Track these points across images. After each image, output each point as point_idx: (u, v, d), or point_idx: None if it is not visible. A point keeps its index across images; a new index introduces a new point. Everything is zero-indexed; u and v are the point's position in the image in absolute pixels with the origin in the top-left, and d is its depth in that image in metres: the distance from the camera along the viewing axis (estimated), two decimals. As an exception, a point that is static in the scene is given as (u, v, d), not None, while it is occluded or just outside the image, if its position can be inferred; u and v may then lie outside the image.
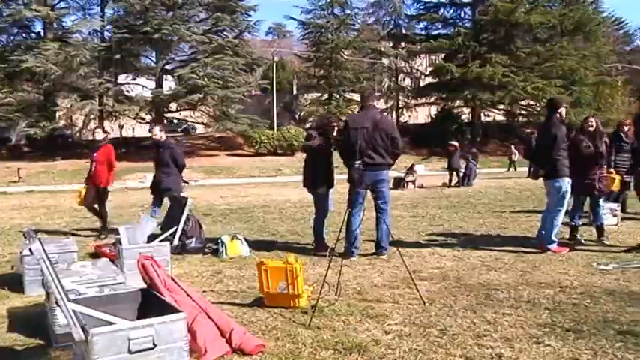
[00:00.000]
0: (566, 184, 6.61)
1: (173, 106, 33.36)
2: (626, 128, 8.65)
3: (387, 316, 4.29)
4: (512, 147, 27.12)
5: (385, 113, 35.91)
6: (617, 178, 8.11)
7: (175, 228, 6.73)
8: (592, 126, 7.21)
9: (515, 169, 25.68)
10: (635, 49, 53.62)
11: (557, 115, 6.80)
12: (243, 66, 32.54)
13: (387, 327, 4.03)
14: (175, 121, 39.26)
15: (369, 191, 6.41)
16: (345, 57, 40.04)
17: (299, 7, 40.30)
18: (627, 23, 58.29)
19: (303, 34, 42.71)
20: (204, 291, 5.10)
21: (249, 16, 34.40)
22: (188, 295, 3.69)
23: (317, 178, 7.03)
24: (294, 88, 45.20)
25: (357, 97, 36.24)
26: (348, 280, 5.39)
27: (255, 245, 7.29)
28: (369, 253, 6.59)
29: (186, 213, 6.90)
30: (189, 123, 38.85)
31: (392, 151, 6.39)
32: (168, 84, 32.99)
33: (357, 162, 5.92)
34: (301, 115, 41.43)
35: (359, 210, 6.31)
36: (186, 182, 9.18)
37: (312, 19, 40.17)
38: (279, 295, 4.53)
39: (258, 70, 37.58)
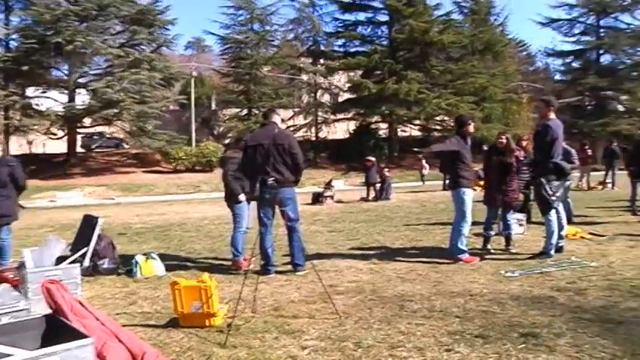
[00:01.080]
0: (467, 194, 6.94)
1: (87, 121, 32.11)
2: (524, 143, 9.17)
3: (303, 331, 4.30)
4: (423, 161, 27.87)
5: (285, 127, 36.28)
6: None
7: (86, 249, 6.47)
8: (503, 142, 7.61)
9: (424, 183, 26.24)
10: (537, 70, 57.09)
11: (464, 130, 7.17)
12: (161, 81, 31.89)
13: (304, 342, 4.05)
14: (107, 136, 37.91)
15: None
16: (265, 73, 40.12)
17: (218, 22, 40.11)
18: (529, 45, 62.44)
19: (222, 49, 42.50)
20: (117, 314, 4.94)
21: (168, 30, 33.96)
22: (97, 319, 3.55)
23: (232, 192, 7.02)
24: (213, 103, 44.71)
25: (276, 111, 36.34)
26: (265, 297, 5.37)
27: (172, 264, 7.12)
28: (287, 270, 6.58)
29: (97, 233, 6.63)
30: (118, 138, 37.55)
31: (293, 166, 6.31)
32: (82, 98, 31.67)
33: (261, 180, 5.93)
34: (220, 130, 41.00)
35: (269, 227, 6.34)
36: (22, 207, 7.87)
37: (231, 35, 40.02)
38: (193, 315, 4.45)
39: (177, 85, 36.95)
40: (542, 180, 6.83)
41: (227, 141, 35.16)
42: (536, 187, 6.96)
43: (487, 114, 36.27)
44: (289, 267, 6.58)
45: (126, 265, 6.87)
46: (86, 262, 6.42)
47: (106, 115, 29.37)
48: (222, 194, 7.53)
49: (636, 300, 4.92)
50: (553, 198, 6.84)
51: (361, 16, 40.11)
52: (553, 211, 6.90)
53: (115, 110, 28.87)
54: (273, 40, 42.12)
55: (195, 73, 39.31)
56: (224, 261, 7.43)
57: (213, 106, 44.41)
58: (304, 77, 42.31)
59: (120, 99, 28.28)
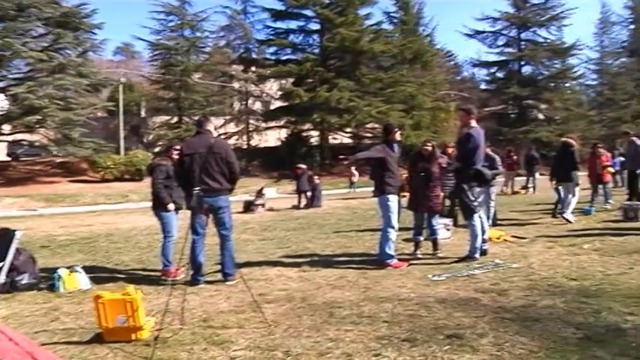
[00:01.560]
0: (392, 201, 7.08)
1: (6, 128, 30.56)
2: (450, 150, 9.46)
3: (232, 342, 4.26)
4: (353, 168, 28.17)
5: (216, 135, 35.99)
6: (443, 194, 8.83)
7: (2, 264, 6.14)
8: (428, 149, 7.81)
9: (354, 190, 26.48)
10: (464, 79, 59.11)
11: (390, 138, 7.33)
12: (88, 87, 30.87)
13: (232, 353, 4.02)
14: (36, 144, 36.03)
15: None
16: (195, 80, 39.56)
17: (148, 28, 39.17)
18: (456, 56, 64.86)
19: (152, 55, 41.57)
20: (36, 332, 4.72)
21: (94, 34, 32.90)
22: (10, 339, 3.37)
23: (161, 201, 6.89)
24: (143, 110, 43.68)
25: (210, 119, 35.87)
26: (194, 307, 5.28)
27: (98, 277, 6.87)
28: (217, 279, 6.48)
29: (14, 247, 6.31)
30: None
31: (229, 175, 6.30)
32: (1, 103, 30.11)
33: (195, 189, 5.85)
34: (150, 138, 40.05)
35: (201, 237, 6.26)
36: None
37: (161, 41, 39.20)
38: (119, 329, 4.31)
39: (104, 92, 35.81)
40: (464, 186, 7.06)
41: (157, 149, 34.44)
42: (458, 193, 7.17)
43: (416, 122, 37.18)
44: (219, 277, 6.49)
45: (48, 280, 6.57)
46: (2, 279, 6.11)
47: (28, 121, 28.01)
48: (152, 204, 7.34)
49: (552, 298, 5.16)
50: (475, 203, 7.08)
51: (293, 24, 40.37)
52: (476, 216, 7.14)
53: (38, 117, 27.59)
54: (204, 47, 41.66)
55: (123, 80, 38.30)
56: (153, 272, 7.26)
57: (143, 114, 43.39)
58: (236, 85, 42.05)
59: (43, 105, 27.10)
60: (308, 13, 38.95)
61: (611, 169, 14.19)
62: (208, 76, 41.64)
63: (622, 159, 17.06)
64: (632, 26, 61.32)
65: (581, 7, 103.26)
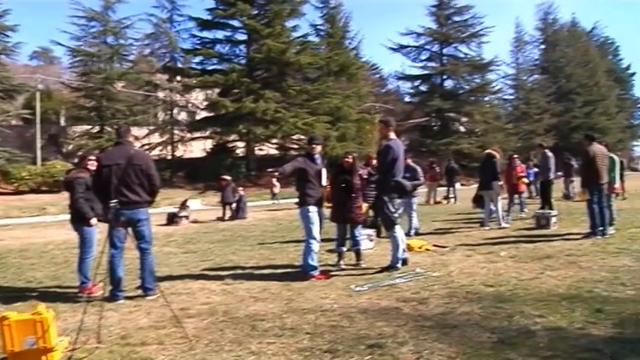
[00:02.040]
0: (312, 212, 7.13)
1: None
2: (374, 162, 9.64)
3: (151, 359, 4.15)
4: (274, 180, 28.09)
5: (139, 146, 35.06)
6: (367, 205, 8.97)
7: None
8: (349, 161, 7.91)
9: (277, 201, 26.45)
10: (389, 92, 60.41)
11: (312, 150, 7.39)
12: (1, 93, 29.23)
13: (150, 371, 3.89)
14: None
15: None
16: (118, 88, 38.35)
17: (68, 33, 37.47)
18: (381, 69, 66.29)
19: (72, 61, 39.75)
20: None
21: (8, 36, 31.29)
22: None
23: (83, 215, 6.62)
24: (62, 119, 41.88)
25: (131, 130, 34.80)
26: (112, 325, 5.10)
27: (7, 296, 6.50)
28: (138, 295, 6.28)
29: None
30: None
31: (149, 188, 6.14)
32: None
33: (113, 201, 5.66)
34: (70, 148, 38.35)
35: (119, 251, 6.06)
36: None
37: (82, 47, 37.61)
38: (27, 352, 4.07)
39: (19, 98, 34.03)
40: (385, 198, 7.17)
41: (77, 160, 33.02)
42: (379, 204, 7.27)
43: (342, 133, 37.58)
44: (139, 292, 6.29)
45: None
46: None
47: None
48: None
49: (470, 304, 5.33)
50: (395, 215, 7.23)
51: (219, 34, 39.92)
52: (397, 227, 7.28)
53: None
54: (127, 55, 40.39)
55: (41, 86, 36.64)
56: (69, 289, 6.93)
57: (62, 122, 41.58)
58: (160, 94, 41.09)
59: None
60: (235, 23, 38.70)
61: (525, 180, 14.88)
62: (132, 84, 40.42)
63: (536, 170, 17.93)
64: (542, 46, 65.44)
65: (499, 26, 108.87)
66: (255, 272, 7.68)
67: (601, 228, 9.69)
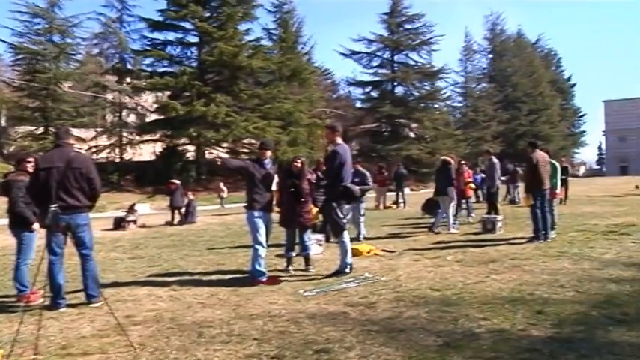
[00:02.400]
0: (254, 217, 7.10)
1: None
2: (323, 167, 9.67)
3: (92, 368, 4.02)
4: (221, 184, 27.91)
5: (87, 148, 34.31)
6: (316, 210, 9.00)
7: None
8: (298, 166, 7.91)
9: (223, 207, 26.26)
10: (340, 97, 60.84)
11: (261, 155, 7.37)
12: None
13: (91, 380, 3.78)
14: None
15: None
16: (65, 89, 37.20)
17: (9, 29, 36.03)
18: (333, 74, 66.83)
19: (14, 59, 38.29)
20: None
21: (-61, 31, 29.88)
22: None
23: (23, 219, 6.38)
24: (3, 119, 40.31)
25: (76, 132, 33.84)
26: (53, 334, 4.93)
27: None
28: (81, 302, 6.09)
29: None
30: None
31: (89, 192, 5.97)
32: None
33: (52, 206, 5.48)
34: (11, 150, 36.94)
35: (59, 257, 5.87)
36: None
37: (25, 44, 36.28)
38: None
39: (-46, 97, 32.59)
40: (333, 204, 7.18)
41: (15, 162, 31.89)
42: (327, 210, 7.27)
43: (293, 138, 37.54)
44: (83, 299, 6.11)
45: None
46: None
47: None
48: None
49: (417, 308, 5.40)
50: (344, 221, 7.25)
51: (171, 35, 39.23)
52: (345, 232, 7.31)
53: None
54: (75, 55, 39.16)
55: (-21, 85, 35.14)
56: (6, 297, 6.67)
57: (3, 123, 40.02)
58: (109, 96, 40.06)
59: None
60: (186, 25, 38.16)
61: (472, 185, 15.24)
62: (79, 85, 39.23)
63: (483, 176, 18.38)
64: (490, 55, 67.47)
65: (448, 35, 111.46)
66: (203, 278, 7.59)
67: (543, 232, 10.02)
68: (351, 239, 10.16)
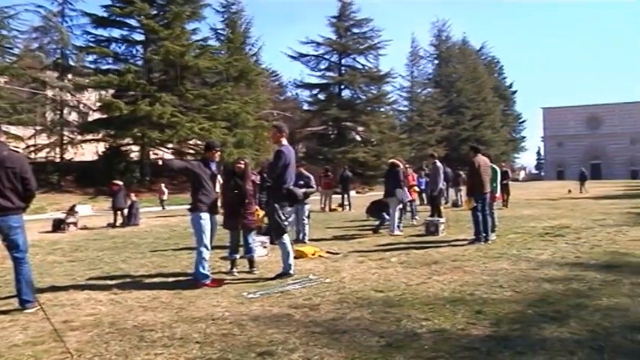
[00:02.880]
0: (204, 218, 7.02)
1: None
2: None
3: (25, 377, 3.88)
4: (162, 186, 27.45)
5: (24, 147, 33.09)
6: (262, 212, 8.97)
7: None
8: (241, 167, 7.86)
9: (164, 208, 25.87)
10: (287, 99, 60.80)
11: (208, 156, 7.29)
12: None
13: (24, 389, 3.64)
14: None
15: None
16: (0, 84, 35.69)
17: (-63, 18, 34.30)
18: (281, 76, 66.76)
19: (-59, 51, 36.51)
20: None
21: None
22: None
23: None
24: None
25: (13, 130, 32.56)
26: (-20, 344, 4.71)
27: None
28: (14, 308, 5.85)
29: None
30: None
31: (23, 193, 5.75)
32: None
33: None
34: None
35: None
36: None
37: (-44, 36, 34.67)
38: None
39: None
40: (276, 205, 7.13)
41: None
42: (269, 212, 7.23)
43: (239, 139, 37.27)
44: (17, 305, 5.86)
45: None
46: None
47: None
48: None
49: (360, 310, 5.46)
50: (285, 223, 7.19)
51: (115, 32, 38.22)
52: (286, 235, 7.26)
53: None
54: (11, 48, 37.57)
55: None
56: None
57: None
58: (49, 92, 38.65)
59: None
60: (132, 22, 37.32)
61: (417, 188, 15.52)
62: (16, 80, 37.68)
63: (427, 179, 18.74)
64: (436, 61, 69.05)
65: (396, 40, 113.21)
66: (145, 281, 7.44)
67: (484, 234, 10.31)
68: (296, 241, 10.28)
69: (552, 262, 7.99)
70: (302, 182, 10.66)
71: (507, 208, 18.72)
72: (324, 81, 52.78)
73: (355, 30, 53.03)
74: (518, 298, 5.80)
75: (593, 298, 5.75)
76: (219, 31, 44.19)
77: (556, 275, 6.97)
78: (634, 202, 22.53)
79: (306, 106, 56.56)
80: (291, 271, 7.24)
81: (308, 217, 11.54)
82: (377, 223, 12.86)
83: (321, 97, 53.25)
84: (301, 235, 11.12)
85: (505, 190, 18.91)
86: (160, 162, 7.28)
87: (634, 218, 14.75)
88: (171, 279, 7.50)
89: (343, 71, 52.39)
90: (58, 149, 37.31)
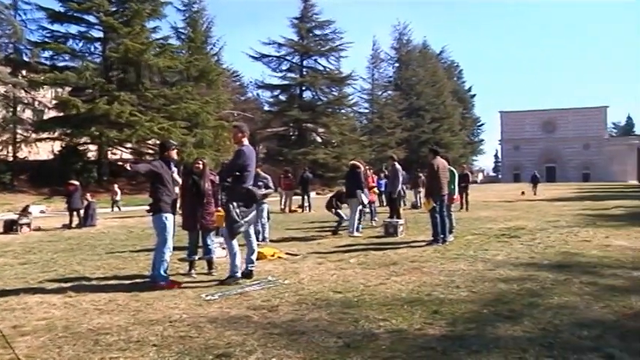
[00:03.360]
0: (168, 219, 6.96)
1: None
2: None
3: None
4: (115, 186, 27.00)
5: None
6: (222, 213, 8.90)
7: None
8: (199, 167, 7.79)
9: (120, 209, 25.48)
10: (248, 100, 60.59)
11: (167, 155, 7.19)
12: None
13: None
14: None
15: None
16: (-53, 79, 34.45)
17: None
18: (242, 76, 66.55)
19: None
20: None
21: None
22: None
23: None
24: None
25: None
26: None
27: None
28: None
29: None
30: None
31: None
32: None
33: None
34: None
35: None
36: None
37: None
38: None
39: None
40: (231, 205, 6.98)
41: None
42: (225, 212, 7.14)
43: (199, 139, 36.95)
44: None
45: None
46: None
47: None
48: None
49: (319, 311, 5.48)
50: (241, 223, 7.03)
51: (73, 28, 37.36)
52: (236, 238, 7.12)
53: None
54: (-42, 41, 36.37)
55: None
56: None
57: None
58: (1, 89, 37.50)
59: None
60: (90, 18, 36.55)
61: (376, 190, 15.66)
62: (-36, 76, 36.45)
63: (387, 181, 18.91)
64: (396, 64, 69.87)
65: (357, 42, 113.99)
66: (101, 283, 7.28)
67: (442, 235, 10.47)
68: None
69: (508, 262, 8.17)
70: (261, 183, 10.64)
71: (467, 211, 19.02)
72: (286, 82, 52.84)
73: (317, 31, 53.33)
74: (474, 298, 5.91)
75: (545, 297, 5.91)
76: (180, 29, 43.78)
77: (511, 275, 7.14)
78: (585, 204, 23.25)
79: (267, 107, 56.59)
80: (238, 274, 7.01)
81: (268, 218, 11.51)
82: (335, 224, 12.93)
83: (282, 98, 53.29)
84: (261, 237, 11.09)
85: (464, 192, 19.19)
86: (129, 167, 7.15)
87: (585, 219, 15.21)
88: (128, 281, 7.37)
89: (304, 72, 52.54)
90: (10, 148, 36.20)
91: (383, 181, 20.14)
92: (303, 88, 52.84)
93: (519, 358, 4.04)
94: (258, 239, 10.83)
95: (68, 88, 36.04)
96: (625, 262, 8.12)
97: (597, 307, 5.46)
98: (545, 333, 4.64)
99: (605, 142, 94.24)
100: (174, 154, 7.31)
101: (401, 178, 14.50)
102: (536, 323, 4.91)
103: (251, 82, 61.36)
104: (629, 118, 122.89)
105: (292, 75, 52.78)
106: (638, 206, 21.20)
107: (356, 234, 12.24)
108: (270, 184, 11.08)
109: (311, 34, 52.87)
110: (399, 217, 13.48)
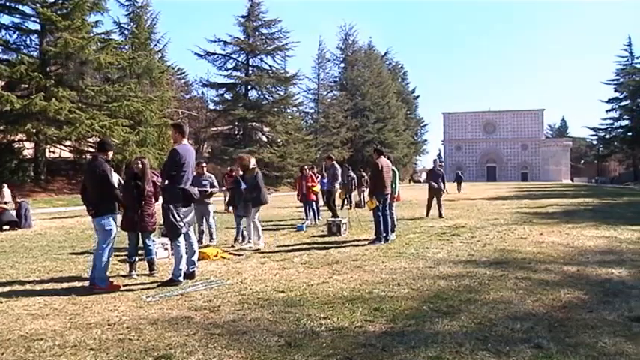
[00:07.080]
0: (110, 221, 6.82)
1: None
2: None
3: None
4: (5, 187, 25.77)
5: None
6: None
7: None
8: (139, 167, 7.65)
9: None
10: (193, 98, 59.73)
11: (107, 155, 7.03)
12: None
13: None
14: None
15: None
16: None
17: None
18: (187, 74, 65.55)
19: None
20: None
21: None
22: None
23: None
24: None
25: None
26: None
27: None
28: None
29: None
30: None
31: None
32: None
33: None
34: None
35: None
36: None
37: None
38: None
39: None
40: (170, 206, 6.89)
41: None
42: (164, 213, 7.03)
43: (142, 138, 36.10)
44: None
45: None
46: None
47: None
48: None
49: (261, 310, 5.49)
50: (181, 224, 6.95)
51: (6, 19, 35.73)
52: (181, 237, 7.03)
53: None
54: None
55: None
56: None
57: None
58: None
59: None
60: (26, 9, 34.95)
61: (316, 189, 15.74)
62: None
63: (327, 180, 19.05)
64: (342, 65, 70.37)
65: (303, 42, 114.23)
66: (36, 287, 7.02)
67: (384, 234, 10.64)
68: (199, 242, 10.10)
69: (447, 260, 8.41)
70: (205, 182, 10.55)
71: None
72: (231, 80, 52.35)
73: (263, 30, 53.06)
74: (415, 295, 6.05)
75: (481, 292, 6.12)
76: (123, 25, 42.59)
77: (450, 272, 7.35)
78: (523, 202, 24.13)
79: (212, 106, 55.90)
80: (181, 278, 6.91)
81: (213, 218, 11.41)
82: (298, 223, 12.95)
83: (228, 96, 52.76)
84: (208, 238, 10.98)
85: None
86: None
87: (522, 217, 15.79)
88: (65, 284, 7.14)
89: (250, 71, 52.19)
90: None
91: (325, 181, 20.26)
92: (249, 87, 52.46)
93: (456, 352, 4.18)
94: (201, 240, 10.77)
95: (1, 82, 34.48)
96: (557, 257, 8.52)
97: (530, 301, 5.71)
98: (481, 327, 4.81)
99: (542, 143, 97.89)
100: (109, 155, 7.15)
101: (339, 178, 14.68)
102: (472, 318, 5.08)
103: (196, 80, 60.85)
104: (562, 120, 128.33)
105: (238, 74, 52.33)
106: (570, 205, 22.16)
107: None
108: (215, 184, 10.98)
109: (257, 33, 52.56)
110: (335, 215, 13.61)
